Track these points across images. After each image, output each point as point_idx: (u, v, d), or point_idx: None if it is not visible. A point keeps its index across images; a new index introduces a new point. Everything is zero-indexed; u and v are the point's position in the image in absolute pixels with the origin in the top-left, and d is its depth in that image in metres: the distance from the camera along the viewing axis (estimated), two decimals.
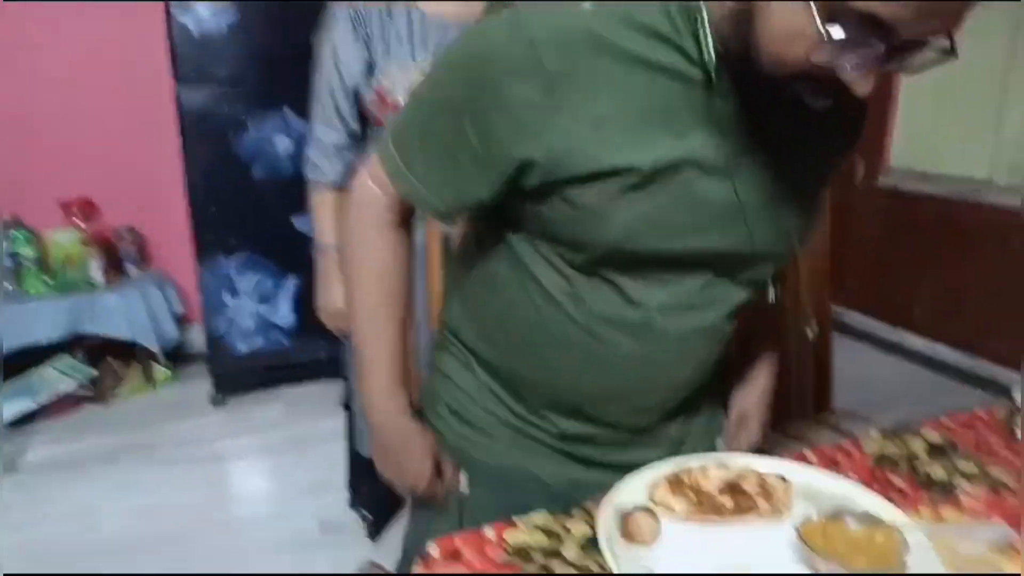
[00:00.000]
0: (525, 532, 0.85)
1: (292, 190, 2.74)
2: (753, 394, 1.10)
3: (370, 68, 1.48)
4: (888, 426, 1.11)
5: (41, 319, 2.71)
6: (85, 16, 2.96)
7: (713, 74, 0.70)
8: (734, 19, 0.67)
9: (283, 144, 2.78)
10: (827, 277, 1.63)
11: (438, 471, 0.97)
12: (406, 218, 0.88)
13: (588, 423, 0.93)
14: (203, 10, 2.59)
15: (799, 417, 1.61)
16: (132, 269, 3.02)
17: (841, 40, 0.60)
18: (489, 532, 0.85)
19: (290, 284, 2.88)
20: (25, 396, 2.72)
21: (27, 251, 2.79)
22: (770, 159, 0.77)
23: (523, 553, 0.81)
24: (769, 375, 1.11)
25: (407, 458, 0.94)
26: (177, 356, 3.17)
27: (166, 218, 3.12)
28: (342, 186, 1.54)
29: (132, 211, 3.12)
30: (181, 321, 3.10)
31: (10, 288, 2.79)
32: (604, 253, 0.77)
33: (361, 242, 0.88)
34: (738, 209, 0.77)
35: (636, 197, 0.73)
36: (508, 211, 0.82)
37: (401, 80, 1.45)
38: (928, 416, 1.10)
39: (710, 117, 0.72)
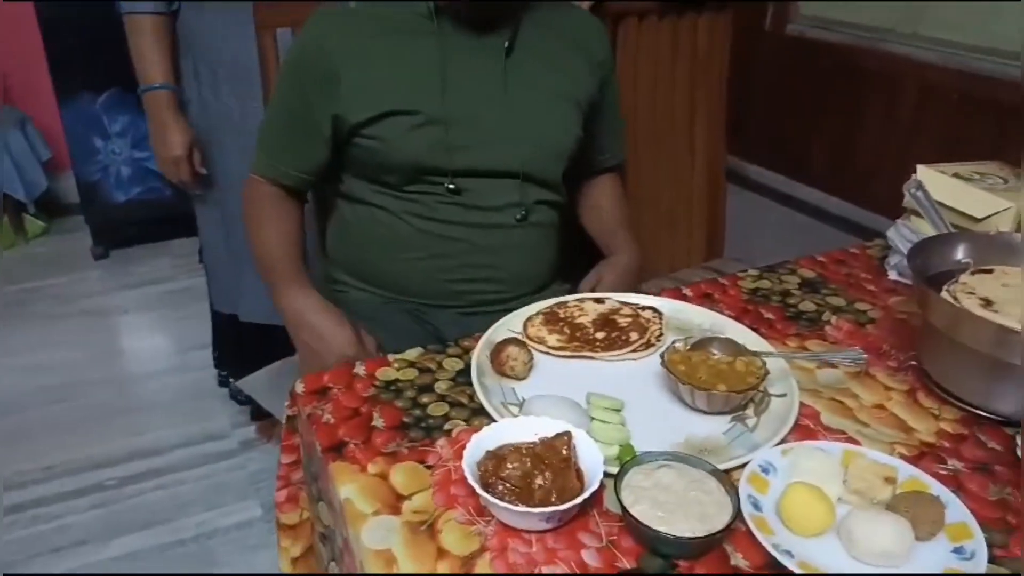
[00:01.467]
0: (396, 369, 0.83)
1: None
2: (609, 264, 1.17)
3: None
4: (756, 267, 1.13)
5: None
6: None
7: (434, 20, 0.99)
8: None
9: None
10: (722, 131, 1.62)
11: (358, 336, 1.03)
12: (286, 193, 1.10)
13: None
14: None
15: (690, 265, 1.64)
16: None
17: None
18: (360, 369, 0.83)
19: None
20: None
21: None
22: (516, 86, 1.02)
23: (392, 388, 0.79)
24: (628, 254, 1.18)
25: (330, 330, 1.02)
26: (50, 207, 2.93)
27: (20, 53, 2.76)
28: (161, 12, 1.40)
29: None
30: (50, 168, 2.84)
31: None
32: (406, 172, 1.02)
33: (256, 219, 1.09)
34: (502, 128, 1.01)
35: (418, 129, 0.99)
36: (339, 171, 1.09)
37: None
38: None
39: (448, 59, 0.99)
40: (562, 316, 0.90)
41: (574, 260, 1.24)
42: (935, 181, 1.00)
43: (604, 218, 1.22)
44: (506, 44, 1.01)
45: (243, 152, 1.41)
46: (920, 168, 1.02)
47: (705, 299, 0.99)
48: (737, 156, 3.52)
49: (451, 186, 1.02)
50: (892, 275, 1.05)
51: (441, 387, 0.80)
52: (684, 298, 0.98)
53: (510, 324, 0.89)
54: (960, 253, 0.86)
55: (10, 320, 2.34)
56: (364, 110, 0.99)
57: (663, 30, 1.46)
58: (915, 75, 2.82)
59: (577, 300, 0.94)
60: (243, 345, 1.69)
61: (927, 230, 0.98)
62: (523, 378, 0.81)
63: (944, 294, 0.77)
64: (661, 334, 0.87)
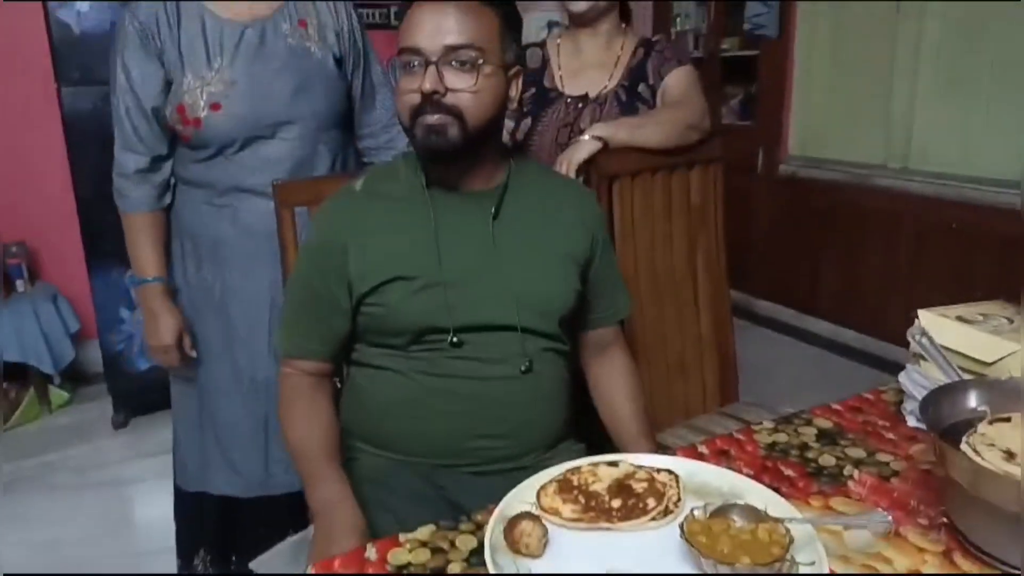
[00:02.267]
0: (407, 551, 0.81)
1: None
2: (617, 406, 1.21)
3: (168, 84, 1.41)
4: (785, 413, 1.12)
5: None
6: None
7: (426, 193, 1.08)
8: None
9: None
10: (724, 278, 1.65)
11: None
12: (318, 380, 1.15)
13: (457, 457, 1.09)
14: (83, 6, 2.45)
15: (706, 411, 1.62)
16: (21, 285, 2.83)
17: (405, 73, 1.03)
18: (371, 552, 0.81)
19: None
20: None
21: None
22: (507, 247, 1.09)
23: (405, 572, 0.77)
24: (631, 393, 1.22)
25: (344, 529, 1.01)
26: (75, 376, 2.99)
27: (57, 229, 2.93)
28: (153, 209, 1.48)
29: (21, 224, 2.92)
30: (77, 338, 2.92)
31: None
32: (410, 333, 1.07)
33: (291, 415, 1.13)
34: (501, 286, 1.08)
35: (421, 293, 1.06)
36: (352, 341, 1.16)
37: (201, 94, 1.39)
38: (831, 401, 1.12)
39: (441, 226, 1.07)
40: (576, 484, 0.89)
41: (584, 414, 1.25)
42: (939, 326, 1.01)
43: (617, 410, 1.22)
44: (492, 208, 1.09)
45: (223, 326, 1.52)
46: (922, 313, 1.03)
47: (722, 456, 0.97)
48: (744, 292, 3.57)
49: (454, 340, 1.05)
50: (911, 421, 1.03)
51: (455, 568, 0.78)
52: (700, 456, 0.97)
53: (523, 495, 0.87)
54: (974, 401, 0.85)
55: (29, 493, 2.32)
56: (369, 280, 1.06)
57: (657, 187, 1.52)
58: (913, 208, 2.90)
59: (591, 464, 0.92)
60: (214, 522, 1.66)
61: (938, 375, 0.98)
62: (539, 556, 0.78)
63: (964, 447, 0.76)
64: (679, 499, 0.85)
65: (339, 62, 1.50)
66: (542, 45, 1.67)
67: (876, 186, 3.08)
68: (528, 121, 1.61)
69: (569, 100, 1.59)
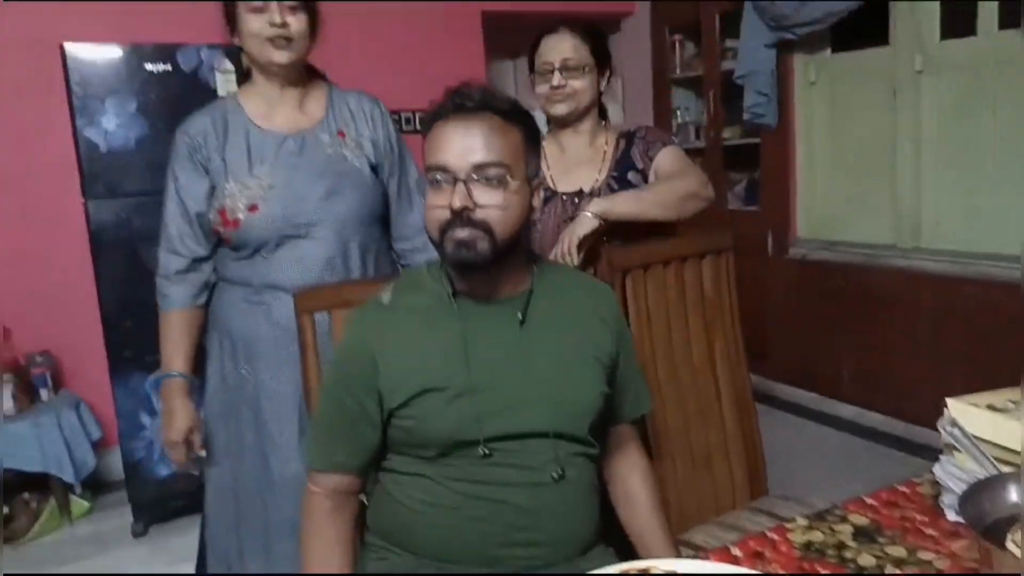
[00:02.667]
0: None
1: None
2: (640, 513, 1.22)
3: (212, 191, 1.53)
4: (817, 508, 1.10)
5: None
6: None
7: (454, 303, 1.11)
8: None
9: None
10: (743, 366, 1.65)
11: None
12: (344, 500, 1.15)
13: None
14: (109, 124, 2.57)
15: (734, 505, 1.59)
16: (45, 394, 2.86)
17: (434, 189, 1.06)
18: None
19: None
20: None
21: None
22: (536, 352, 1.10)
23: None
24: (648, 492, 1.24)
25: None
26: (95, 484, 2.97)
27: (81, 337, 2.98)
28: (188, 307, 1.57)
29: (46, 333, 2.98)
30: (98, 447, 2.92)
31: None
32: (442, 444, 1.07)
33: (311, 536, 1.15)
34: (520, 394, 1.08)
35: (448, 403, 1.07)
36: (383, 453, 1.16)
37: (240, 197, 1.51)
38: (863, 490, 1.10)
39: (469, 335, 1.09)
40: None
41: (612, 519, 1.23)
42: (970, 416, 1.00)
43: (640, 513, 1.22)
44: (520, 315, 1.10)
45: (254, 421, 1.55)
46: (951, 402, 1.02)
47: (756, 559, 0.95)
48: (763, 375, 3.54)
49: (485, 451, 1.05)
50: (950, 515, 1.01)
51: None
52: (735, 560, 0.95)
53: None
54: (1015, 495, 0.84)
55: None
56: (399, 393, 1.07)
57: (670, 278, 1.55)
58: (929, 287, 2.90)
59: (621, 573, 0.91)
60: None
61: (973, 467, 0.96)
62: None
63: (1010, 545, 0.74)
64: None
65: (375, 168, 1.59)
66: None
67: (890, 266, 3.09)
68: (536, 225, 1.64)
69: (565, 197, 1.63)
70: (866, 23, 3.08)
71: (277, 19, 1.49)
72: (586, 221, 1.45)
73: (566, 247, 1.43)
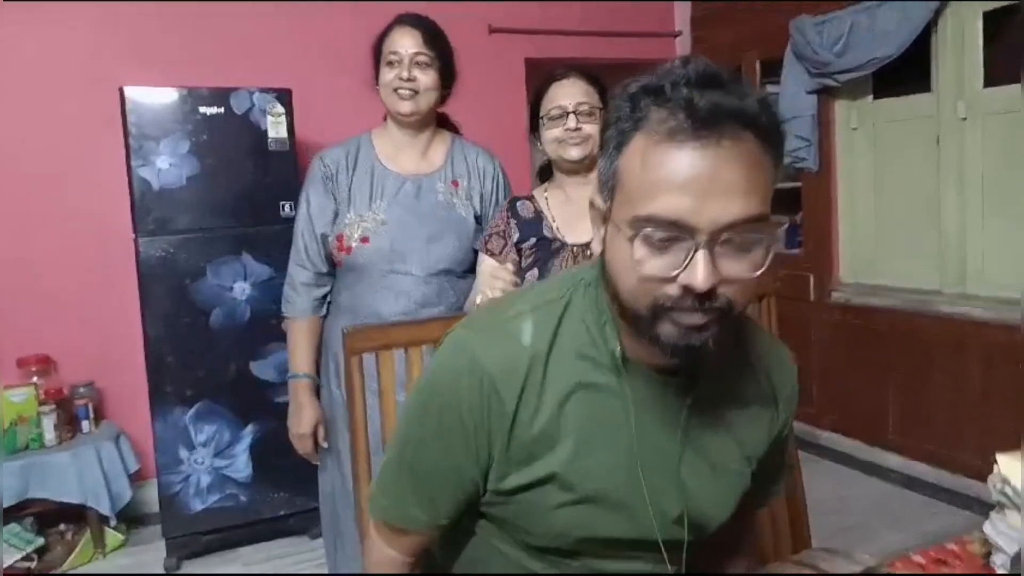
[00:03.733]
0: None
1: (250, 335, 2.73)
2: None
3: (336, 216, 1.72)
4: (862, 563, 1.06)
5: None
6: (46, 172, 3.02)
7: (624, 379, 0.82)
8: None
9: (241, 289, 2.77)
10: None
11: None
12: (410, 554, 0.95)
13: None
14: (162, 163, 2.66)
15: (776, 558, 1.54)
16: (86, 425, 2.91)
17: (651, 250, 0.71)
18: None
19: (247, 434, 2.78)
20: None
21: None
22: (687, 447, 0.86)
23: None
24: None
25: None
26: (130, 517, 3.00)
27: (124, 370, 3.05)
28: (311, 315, 1.76)
29: (90, 365, 3.05)
30: (135, 478, 2.96)
31: None
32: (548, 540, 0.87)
33: None
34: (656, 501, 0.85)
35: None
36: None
37: (356, 227, 1.69)
38: (910, 544, 1.06)
39: (628, 420, 0.83)
40: None
41: None
42: (1020, 471, 0.96)
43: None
44: (688, 402, 0.84)
45: (347, 440, 1.62)
46: (1001, 458, 0.98)
47: None
48: (806, 423, 3.46)
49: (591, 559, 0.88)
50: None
51: None
52: None
53: None
54: None
55: None
56: (516, 479, 0.84)
57: None
58: (976, 333, 2.82)
59: None
60: None
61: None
62: None
63: None
64: None
65: (479, 219, 1.74)
66: (531, 198, 1.67)
67: (934, 311, 3.02)
68: (535, 272, 1.61)
69: (575, 248, 1.58)
70: (908, 69, 3.06)
71: (405, 74, 1.68)
72: None
73: None
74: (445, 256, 1.70)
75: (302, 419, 1.73)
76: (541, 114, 1.62)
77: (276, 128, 2.77)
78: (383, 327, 1.43)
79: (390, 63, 1.70)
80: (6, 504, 2.60)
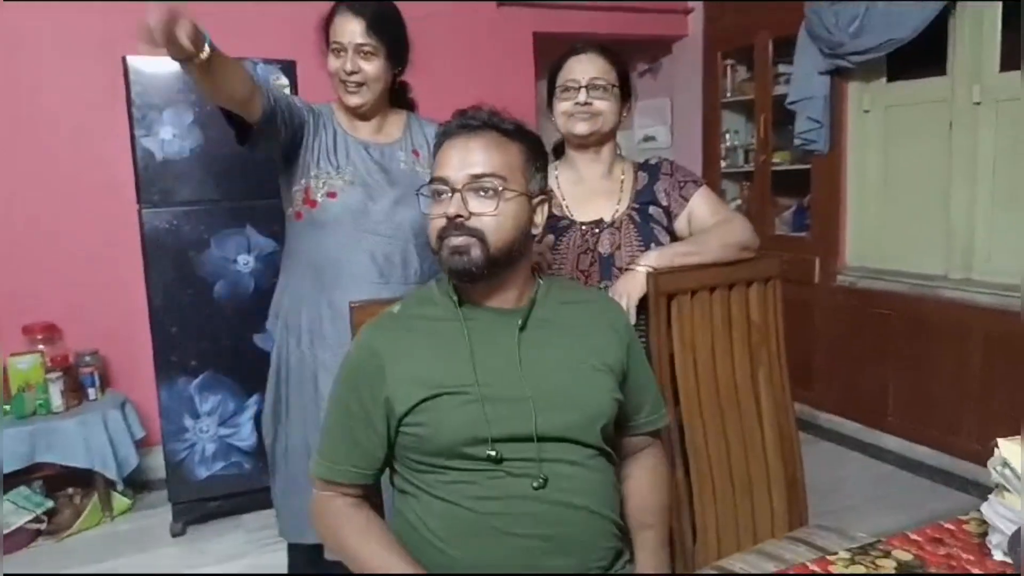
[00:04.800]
0: None
1: (254, 308, 2.73)
2: (640, 493, 1.23)
3: (300, 127, 1.71)
4: (859, 541, 1.07)
5: None
6: (52, 141, 3.02)
7: (459, 312, 1.13)
8: None
9: (245, 261, 2.77)
10: (787, 388, 1.62)
11: None
12: (357, 501, 1.16)
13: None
14: (166, 134, 2.65)
15: (774, 533, 1.56)
16: (92, 392, 2.94)
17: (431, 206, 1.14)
18: None
19: (251, 405, 2.80)
20: None
21: None
22: (540, 358, 1.12)
23: None
24: (653, 476, 1.25)
25: None
26: (136, 483, 3.04)
27: (129, 340, 3.07)
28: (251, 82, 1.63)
29: (95, 334, 3.07)
30: (141, 445, 2.99)
31: None
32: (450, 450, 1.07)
33: (335, 534, 1.14)
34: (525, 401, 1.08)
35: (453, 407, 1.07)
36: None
37: (323, 182, 1.71)
38: (907, 524, 1.07)
39: (475, 342, 1.11)
40: None
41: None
42: (1020, 455, 0.97)
43: (636, 503, 1.23)
44: (519, 321, 1.13)
45: (312, 397, 1.74)
46: (1002, 443, 0.99)
47: None
48: (807, 404, 3.47)
49: (492, 454, 1.05)
50: (997, 555, 0.98)
51: None
52: None
53: None
54: None
55: None
56: (407, 399, 1.08)
57: (716, 304, 1.53)
58: (980, 319, 2.82)
59: None
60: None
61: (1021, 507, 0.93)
62: None
63: None
64: None
65: None
66: None
67: (939, 296, 3.01)
68: (539, 248, 1.59)
69: (584, 227, 1.58)
70: (923, 53, 3.02)
71: (349, 66, 1.67)
72: (642, 279, 1.43)
73: (624, 306, 1.39)
74: (410, 220, 1.72)
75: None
76: (556, 86, 1.62)
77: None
78: (388, 303, 1.44)
79: (334, 51, 1.68)
80: (16, 467, 2.64)
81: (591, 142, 1.60)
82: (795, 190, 3.78)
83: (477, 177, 1.08)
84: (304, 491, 1.77)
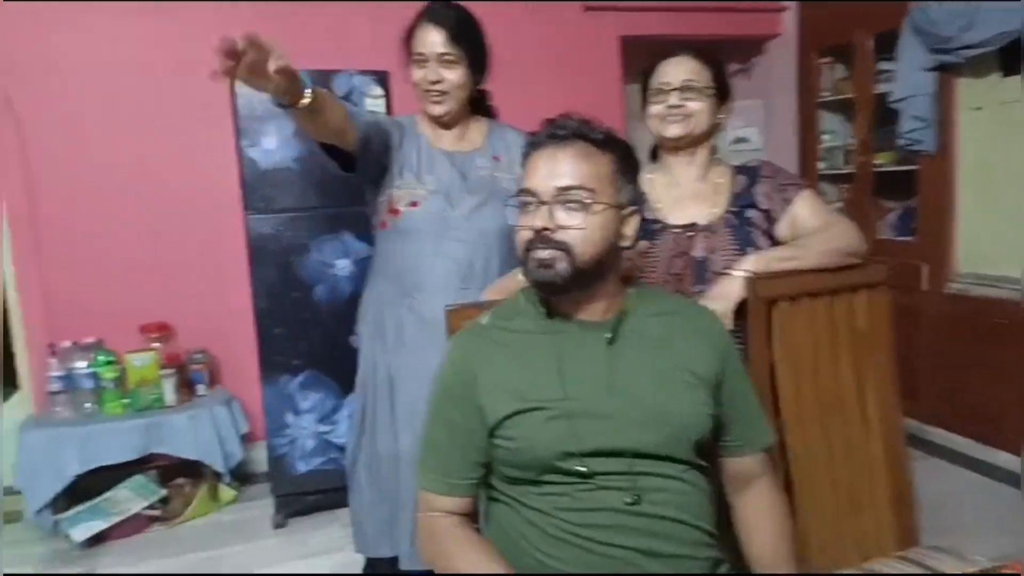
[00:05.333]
0: None
1: (351, 310, 2.81)
2: (764, 542, 1.20)
3: (389, 151, 1.76)
4: (974, 564, 1.02)
5: (118, 439, 2.82)
6: (165, 153, 3.23)
7: (547, 326, 1.13)
8: None
9: (343, 266, 2.88)
10: (897, 405, 1.55)
11: None
12: (463, 520, 1.15)
13: None
14: (270, 144, 2.78)
15: (881, 552, 1.50)
16: (202, 389, 3.12)
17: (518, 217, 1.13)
18: None
19: (349, 403, 2.89)
20: (99, 517, 2.77)
21: (108, 373, 2.91)
22: (629, 372, 1.10)
23: None
24: (774, 519, 1.21)
25: None
26: (241, 475, 3.20)
27: (235, 339, 3.24)
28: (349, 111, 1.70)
29: (204, 333, 3.25)
30: (245, 440, 3.15)
31: (90, 408, 2.90)
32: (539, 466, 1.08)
33: (446, 559, 1.13)
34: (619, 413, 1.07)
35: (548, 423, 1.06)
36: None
37: (407, 192, 1.76)
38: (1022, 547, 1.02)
39: (563, 355, 1.11)
40: None
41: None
42: None
43: (761, 549, 1.20)
44: (608, 334, 1.11)
45: (390, 404, 1.78)
46: None
47: None
48: (914, 418, 3.30)
49: (581, 468, 1.05)
50: None
51: None
52: None
53: None
54: None
55: None
56: (497, 412, 1.09)
57: (819, 311, 1.48)
58: None
59: None
60: None
61: None
62: None
63: None
64: None
65: None
66: None
67: None
68: (630, 260, 1.58)
69: (677, 230, 1.56)
70: None
71: (432, 75, 1.71)
72: (739, 282, 1.40)
73: (720, 311, 1.36)
74: (490, 225, 1.76)
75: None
76: (649, 89, 1.61)
77: (374, 110, 2.85)
78: (480, 305, 1.47)
79: (417, 62, 1.72)
80: (133, 457, 2.84)
81: (684, 144, 1.59)
82: (899, 192, 3.60)
83: (564, 189, 1.07)
84: (384, 502, 1.82)
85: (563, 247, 1.07)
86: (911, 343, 3.29)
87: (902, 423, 1.57)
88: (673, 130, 1.56)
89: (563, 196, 1.07)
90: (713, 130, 1.60)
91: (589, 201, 1.07)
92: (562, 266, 1.06)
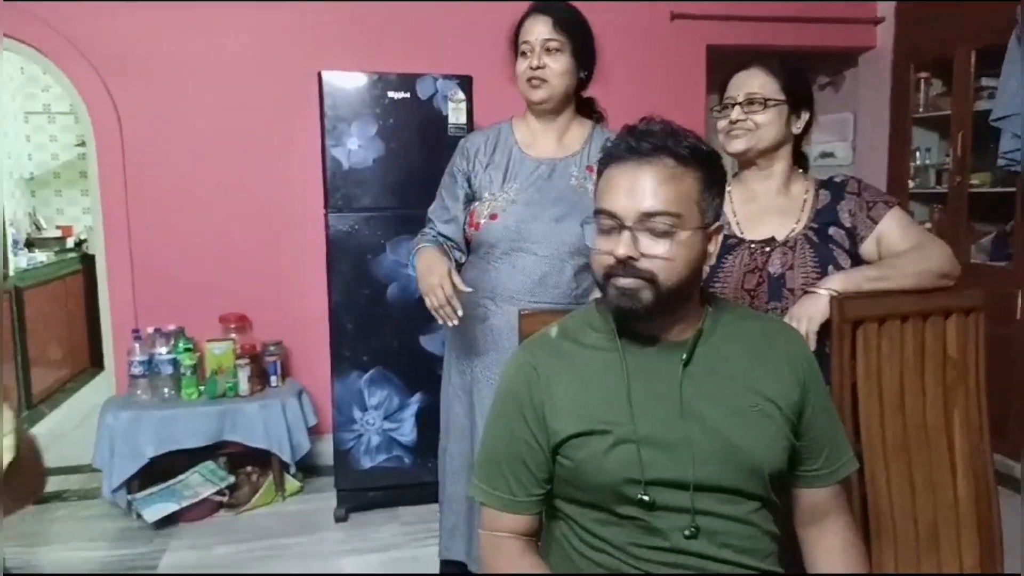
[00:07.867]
0: None
1: (422, 311, 2.83)
2: None
3: (468, 197, 1.85)
4: None
5: (193, 424, 2.93)
6: (250, 150, 3.34)
7: (619, 345, 1.07)
8: None
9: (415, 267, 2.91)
10: (986, 434, 1.46)
11: None
12: (525, 543, 1.11)
13: None
14: (352, 144, 2.84)
15: None
16: (274, 380, 3.20)
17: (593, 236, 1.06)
18: None
19: (414, 402, 2.94)
20: (171, 499, 2.88)
21: (187, 360, 3.03)
22: (703, 398, 1.04)
23: None
24: (848, 564, 1.13)
25: None
26: (307, 468, 3.27)
27: (308, 333, 3.31)
28: (433, 245, 1.82)
29: (280, 326, 3.34)
30: (313, 432, 3.21)
31: (168, 393, 3.02)
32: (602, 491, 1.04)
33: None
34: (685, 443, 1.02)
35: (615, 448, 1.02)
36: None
37: (487, 206, 1.80)
38: None
39: (634, 377, 1.05)
40: None
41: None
42: None
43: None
44: (683, 357, 1.05)
45: (468, 412, 1.85)
46: None
47: None
48: (1004, 455, 3.11)
49: (644, 497, 1.00)
50: None
51: None
52: None
53: None
54: None
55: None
56: (560, 430, 1.05)
57: (908, 335, 1.41)
58: None
59: None
60: None
61: None
62: None
63: None
64: None
65: None
66: None
67: None
68: (706, 268, 1.57)
69: (753, 245, 1.51)
70: None
71: (535, 62, 1.73)
72: (823, 301, 1.35)
73: (803, 329, 1.32)
74: (569, 238, 1.74)
75: (433, 267, 1.67)
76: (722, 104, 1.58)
77: (456, 114, 2.87)
78: (553, 313, 1.45)
79: (523, 53, 1.75)
80: (206, 443, 2.94)
81: (752, 157, 1.54)
82: (996, 215, 3.42)
83: (649, 215, 0.99)
84: (459, 511, 1.89)
85: (646, 275, 1.00)
86: (1002, 376, 3.10)
87: (992, 458, 1.48)
88: (735, 145, 1.53)
89: (647, 223, 0.99)
90: (786, 141, 1.54)
91: (676, 229, 1.00)
92: (646, 295, 1.00)
